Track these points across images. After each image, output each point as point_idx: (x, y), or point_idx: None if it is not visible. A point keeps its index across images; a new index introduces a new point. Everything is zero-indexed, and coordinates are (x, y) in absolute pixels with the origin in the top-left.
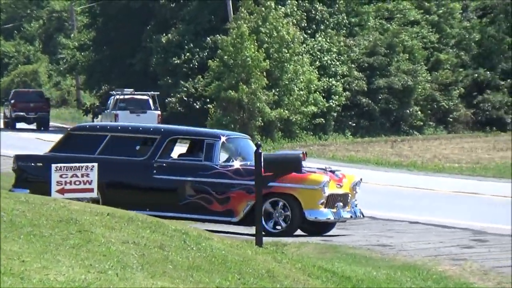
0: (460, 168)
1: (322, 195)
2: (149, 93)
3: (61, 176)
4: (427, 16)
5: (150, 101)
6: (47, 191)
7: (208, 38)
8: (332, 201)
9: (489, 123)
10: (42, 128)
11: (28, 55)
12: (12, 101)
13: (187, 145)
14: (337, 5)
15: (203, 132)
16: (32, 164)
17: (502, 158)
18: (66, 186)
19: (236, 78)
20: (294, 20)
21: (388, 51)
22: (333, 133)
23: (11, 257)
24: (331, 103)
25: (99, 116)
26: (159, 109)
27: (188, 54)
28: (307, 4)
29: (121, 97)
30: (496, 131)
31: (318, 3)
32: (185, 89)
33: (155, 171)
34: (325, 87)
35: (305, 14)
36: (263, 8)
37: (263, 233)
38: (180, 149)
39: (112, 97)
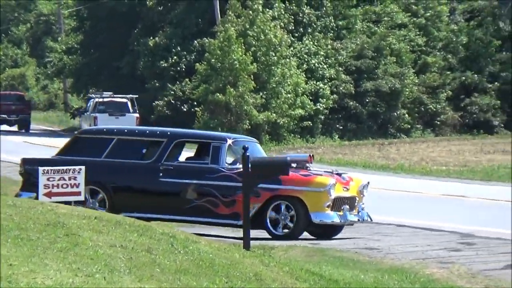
0: (447, 171)
1: (328, 198)
2: (127, 96)
3: (48, 179)
4: (415, 19)
5: (129, 104)
6: None
7: (195, 41)
8: (338, 204)
9: (477, 126)
10: (23, 130)
11: (15, 58)
12: None
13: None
14: (324, 8)
15: (209, 135)
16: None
17: (489, 161)
18: (53, 189)
19: (223, 81)
20: (282, 23)
21: (375, 54)
22: (320, 136)
23: None
24: (319, 106)
25: (79, 118)
26: (137, 111)
27: (175, 57)
28: (294, 7)
29: (100, 100)
30: (483, 134)
31: (305, 6)
32: (173, 92)
33: (161, 174)
34: (313, 90)
35: (293, 17)
36: (250, 11)
37: (269, 236)
38: (189, 153)
39: (92, 100)
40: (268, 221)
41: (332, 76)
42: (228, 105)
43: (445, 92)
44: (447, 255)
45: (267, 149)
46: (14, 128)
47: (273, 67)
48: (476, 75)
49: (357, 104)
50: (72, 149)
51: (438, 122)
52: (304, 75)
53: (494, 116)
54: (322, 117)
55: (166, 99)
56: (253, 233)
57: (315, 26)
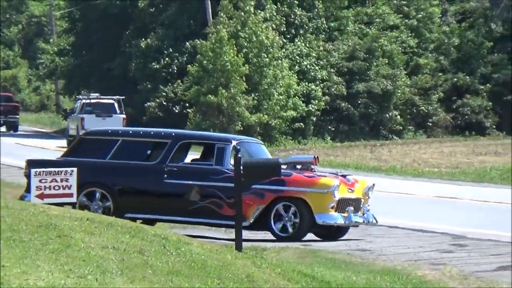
0: (439, 172)
1: (332, 199)
2: (114, 97)
3: (40, 181)
4: (406, 20)
5: (116, 105)
6: None
7: (187, 43)
8: (343, 205)
9: (469, 127)
10: (12, 131)
11: (7, 60)
12: None
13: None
14: (316, 10)
15: (214, 136)
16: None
17: (481, 162)
18: (45, 191)
19: (215, 82)
20: (274, 25)
21: (367, 55)
22: (312, 138)
23: None
24: (311, 108)
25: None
26: (124, 113)
27: (167, 58)
28: (286, 8)
29: (88, 101)
30: (475, 136)
31: (297, 8)
32: (165, 93)
33: (165, 176)
34: (305, 91)
35: (284, 18)
36: (242, 13)
37: (273, 237)
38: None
39: (79, 101)
40: (272, 222)
41: (324, 78)
42: (220, 107)
43: (437, 94)
44: (439, 257)
45: None
46: (3, 128)
47: (265, 69)
48: (468, 77)
49: (349, 106)
50: (77, 151)
51: (430, 124)
52: (296, 77)
53: (486, 118)
54: (314, 119)
55: (158, 100)
56: (245, 234)
57: (307, 27)
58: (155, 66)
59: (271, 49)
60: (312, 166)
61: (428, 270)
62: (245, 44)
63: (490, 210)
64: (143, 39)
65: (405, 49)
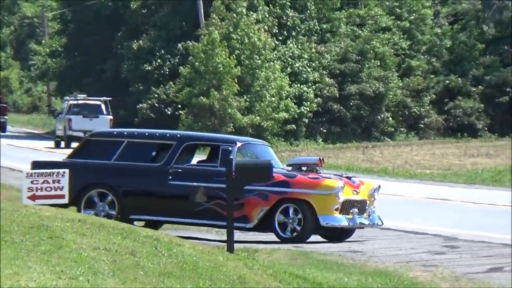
0: (431, 174)
1: (337, 201)
2: (101, 98)
3: (32, 182)
4: (399, 22)
5: (103, 106)
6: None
7: (179, 45)
8: (347, 207)
9: (460, 129)
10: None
11: None
12: None
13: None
14: (308, 12)
15: (219, 138)
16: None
17: (473, 164)
18: (37, 192)
19: (207, 84)
20: (266, 27)
21: (359, 57)
22: (304, 139)
23: None
24: (303, 110)
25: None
26: (110, 113)
27: (159, 60)
28: (278, 10)
29: (75, 102)
30: (467, 137)
31: (289, 10)
32: (157, 95)
33: (170, 177)
34: (297, 93)
35: (277, 20)
36: (234, 15)
37: (278, 238)
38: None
39: (66, 102)
40: (276, 224)
41: (316, 80)
42: (212, 108)
43: (429, 96)
44: (430, 258)
45: None
46: None
47: (257, 70)
48: (460, 79)
49: (341, 107)
50: (82, 152)
51: (422, 126)
52: (288, 79)
53: (478, 120)
54: (306, 120)
55: (150, 102)
56: (236, 235)
57: (299, 29)
58: (147, 68)
59: (263, 51)
60: (318, 168)
61: (420, 271)
62: (237, 45)
63: (482, 212)
64: (135, 41)
65: (397, 51)
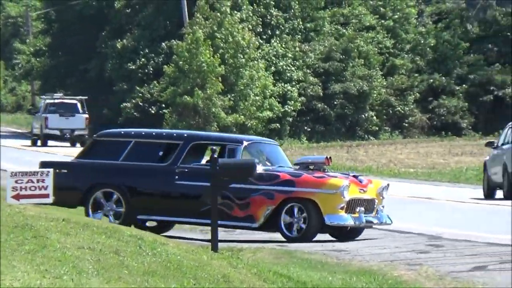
0: (415, 173)
1: (342, 200)
2: (77, 97)
3: (16, 181)
4: (383, 21)
5: (79, 105)
6: (73, 199)
7: (163, 44)
8: (353, 206)
9: (445, 128)
10: None
11: None
12: None
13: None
14: (292, 11)
15: (225, 137)
16: (57, 170)
17: (457, 163)
18: (21, 191)
19: (191, 83)
20: (250, 26)
21: (343, 56)
22: (288, 138)
23: None
24: (287, 108)
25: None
26: (86, 112)
27: (143, 59)
28: (262, 9)
29: (51, 101)
30: (451, 136)
31: (273, 9)
32: (141, 94)
33: (177, 177)
34: (281, 92)
35: (261, 19)
36: (218, 14)
37: (283, 238)
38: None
39: (43, 101)
40: (282, 223)
41: (300, 78)
42: (196, 107)
43: (413, 94)
44: (415, 257)
45: None
46: None
47: (241, 69)
48: (444, 78)
49: (325, 106)
50: (90, 153)
51: (406, 124)
52: (272, 77)
53: (462, 118)
54: (290, 119)
55: (134, 101)
56: (221, 234)
57: (283, 28)
58: (131, 67)
59: (247, 50)
60: (325, 167)
61: (404, 270)
62: (221, 44)
63: (466, 211)
64: (119, 40)
65: (381, 50)
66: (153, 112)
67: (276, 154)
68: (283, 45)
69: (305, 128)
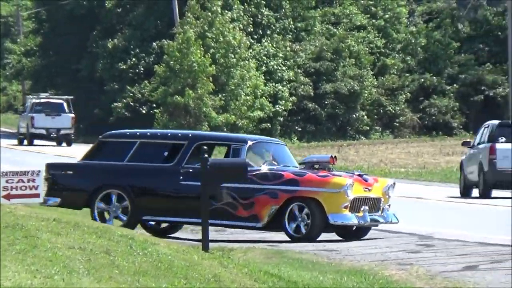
0: (406, 172)
1: (346, 199)
2: (63, 97)
3: (7, 181)
4: (374, 21)
5: (65, 104)
6: (79, 200)
7: (154, 43)
8: (357, 205)
9: (435, 127)
10: None
11: None
12: None
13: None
14: (283, 10)
15: (230, 137)
16: (63, 172)
17: (448, 162)
18: (12, 191)
19: (182, 83)
20: (241, 25)
21: (334, 56)
22: (279, 138)
23: None
24: (278, 108)
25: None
26: (73, 112)
27: (134, 59)
28: (253, 9)
29: (38, 100)
30: (442, 136)
31: (264, 8)
32: (131, 94)
33: (181, 177)
34: (272, 92)
35: (252, 19)
36: (209, 13)
37: (287, 237)
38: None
39: (29, 100)
40: (286, 222)
41: (291, 78)
42: (187, 107)
43: (404, 94)
44: (406, 257)
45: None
46: None
47: (232, 69)
48: (435, 77)
49: (316, 106)
50: (96, 154)
51: (397, 124)
52: (263, 77)
53: (452, 118)
54: (281, 119)
55: (125, 101)
56: (211, 234)
57: (274, 28)
58: (122, 67)
59: (238, 50)
60: (330, 166)
61: (395, 270)
62: (212, 44)
63: (456, 210)
64: (110, 40)
65: (372, 50)
66: (144, 112)
67: (282, 153)
68: (274, 45)
69: (296, 127)
